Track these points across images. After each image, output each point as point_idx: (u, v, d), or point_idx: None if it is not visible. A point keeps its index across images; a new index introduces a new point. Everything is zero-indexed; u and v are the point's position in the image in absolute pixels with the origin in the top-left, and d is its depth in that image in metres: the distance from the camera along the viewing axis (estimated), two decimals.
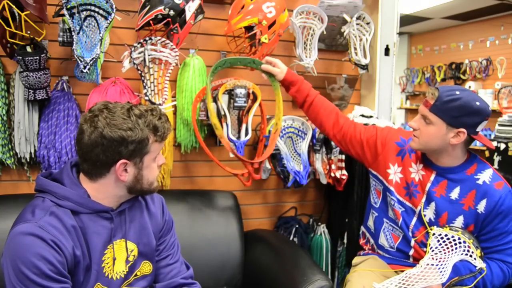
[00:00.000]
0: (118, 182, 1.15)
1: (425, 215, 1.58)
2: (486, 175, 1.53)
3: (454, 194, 1.54)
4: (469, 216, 1.52)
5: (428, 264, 1.40)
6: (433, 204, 1.57)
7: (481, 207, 1.50)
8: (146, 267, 1.27)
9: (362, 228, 1.85)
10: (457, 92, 1.45)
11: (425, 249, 1.57)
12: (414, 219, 1.61)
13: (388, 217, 1.69)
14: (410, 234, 1.61)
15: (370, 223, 1.79)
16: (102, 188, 1.16)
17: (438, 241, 1.44)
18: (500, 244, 1.51)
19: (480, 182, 1.52)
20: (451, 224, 1.54)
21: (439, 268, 1.38)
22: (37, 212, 1.09)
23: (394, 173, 1.65)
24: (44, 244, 1.04)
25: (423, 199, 1.59)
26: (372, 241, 1.77)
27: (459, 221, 1.53)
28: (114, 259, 1.17)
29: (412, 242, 1.60)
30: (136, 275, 1.24)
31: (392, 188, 1.65)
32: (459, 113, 1.44)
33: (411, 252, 1.61)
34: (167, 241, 1.35)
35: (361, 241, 1.84)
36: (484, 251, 1.53)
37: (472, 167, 1.54)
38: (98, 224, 1.15)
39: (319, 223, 2.30)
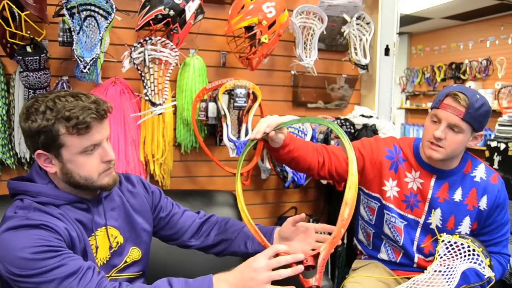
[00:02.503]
0: (44, 172, 1.13)
1: (430, 223, 1.55)
2: (481, 171, 1.54)
3: (457, 195, 1.52)
4: (473, 215, 1.52)
5: (436, 271, 1.38)
6: (438, 210, 1.53)
7: (483, 204, 1.51)
8: (135, 253, 1.26)
9: (355, 240, 1.79)
10: (478, 96, 1.40)
11: (429, 259, 1.56)
12: (418, 230, 1.56)
13: (385, 234, 1.62)
14: (415, 248, 1.57)
15: (361, 237, 1.73)
16: (52, 177, 1.14)
17: (447, 248, 1.42)
18: (498, 237, 1.54)
19: (477, 179, 1.53)
20: (459, 227, 1.53)
21: (447, 275, 1.36)
22: (20, 211, 1.07)
23: (391, 188, 1.56)
24: (36, 229, 1.01)
25: (426, 208, 1.54)
26: (366, 253, 1.72)
27: (466, 222, 1.52)
28: (97, 247, 1.16)
29: (416, 258, 1.57)
30: (126, 261, 1.24)
31: (390, 205, 1.56)
32: (485, 118, 1.42)
33: (415, 265, 1.59)
34: (165, 205, 1.38)
35: (357, 251, 1.80)
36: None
37: (468, 164, 1.55)
38: (77, 214, 1.14)
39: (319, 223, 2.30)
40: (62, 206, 1.12)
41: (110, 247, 1.20)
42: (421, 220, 1.56)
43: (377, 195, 1.60)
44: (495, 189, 1.51)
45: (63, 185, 1.13)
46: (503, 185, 1.55)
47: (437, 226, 1.54)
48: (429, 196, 1.54)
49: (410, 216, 1.56)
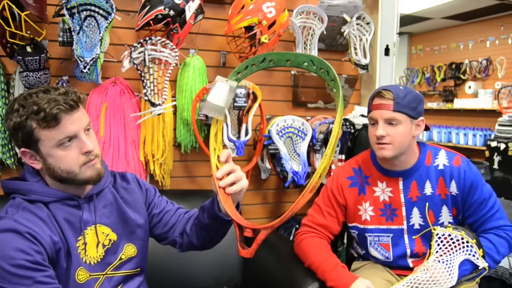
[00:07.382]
0: (36, 170, 1.14)
1: (413, 225, 1.56)
2: (442, 158, 1.56)
3: (428, 189, 1.55)
4: (449, 203, 1.54)
5: (435, 268, 1.38)
6: (415, 210, 1.55)
7: (453, 189, 1.53)
8: (130, 250, 1.26)
9: (351, 249, 1.81)
10: (401, 87, 1.48)
11: (421, 259, 1.56)
12: (406, 237, 1.58)
13: (373, 257, 1.63)
14: (408, 255, 1.58)
15: (357, 251, 1.75)
16: (42, 174, 1.15)
17: (442, 241, 1.43)
18: (484, 213, 1.53)
19: (441, 167, 1.55)
20: (439, 218, 1.55)
21: (447, 270, 1.37)
22: (10, 210, 1.09)
23: (365, 211, 1.60)
24: (20, 237, 1.03)
25: (404, 213, 1.56)
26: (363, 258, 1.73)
27: (445, 211, 1.55)
28: (85, 244, 1.16)
29: (411, 264, 1.58)
30: (121, 258, 1.23)
31: (370, 226, 1.60)
32: (416, 103, 1.48)
33: (411, 265, 1.59)
34: (159, 202, 1.37)
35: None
36: (474, 227, 1.55)
37: (428, 155, 1.57)
38: (65, 211, 1.14)
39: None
40: (52, 204, 1.13)
41: (103, 245, 1.20)
42: (405, 226, 1.57)
43: (355, 224, 1.64)
44: (461, 171, 1.53)
45: (52, 182, 1.14)
46: (468, 164, 1.55)
47: (420, 225, 1.56)
48: (402, 200, 1.56)
49: (393, 227, 1.58)
